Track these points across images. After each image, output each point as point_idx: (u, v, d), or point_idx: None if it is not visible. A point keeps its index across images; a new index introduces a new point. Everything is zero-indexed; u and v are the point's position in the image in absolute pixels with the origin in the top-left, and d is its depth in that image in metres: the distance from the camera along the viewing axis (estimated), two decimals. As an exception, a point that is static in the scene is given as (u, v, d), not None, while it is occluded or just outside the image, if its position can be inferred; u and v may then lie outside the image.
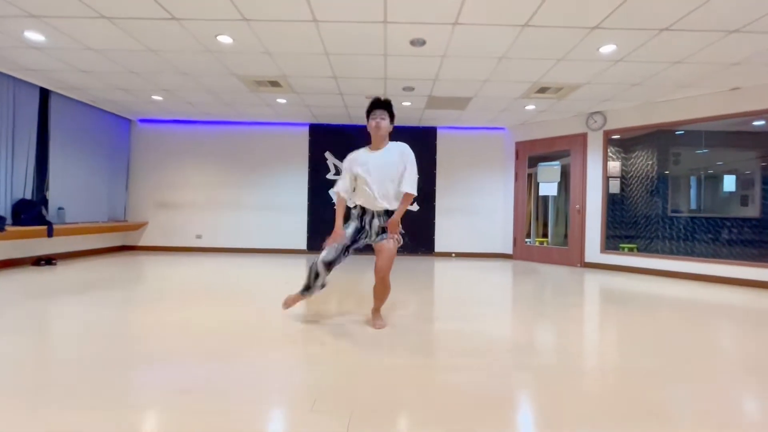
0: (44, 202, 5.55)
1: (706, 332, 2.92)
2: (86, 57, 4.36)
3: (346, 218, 2.88)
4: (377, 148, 2.80)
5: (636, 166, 6.39)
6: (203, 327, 2.76)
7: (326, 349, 2.37)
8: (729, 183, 6.10)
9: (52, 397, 1.70)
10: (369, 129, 2.81)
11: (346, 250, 2.79)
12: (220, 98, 5.88)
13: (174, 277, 4.81)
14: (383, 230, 2.78)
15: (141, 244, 7.46)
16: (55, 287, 3.97)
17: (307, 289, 2.85)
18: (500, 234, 7.47)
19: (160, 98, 5.94)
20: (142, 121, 7.40)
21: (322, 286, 2.83)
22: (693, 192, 6.42)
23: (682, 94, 5.23)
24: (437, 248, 7.49)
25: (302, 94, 5.63)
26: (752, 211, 5.72)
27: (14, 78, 5.05)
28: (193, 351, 2.29)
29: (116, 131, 7.05)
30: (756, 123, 5.32)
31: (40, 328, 2.70)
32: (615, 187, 6.33)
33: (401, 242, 2.81)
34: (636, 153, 6.40)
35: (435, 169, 7.42)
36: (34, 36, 3.85)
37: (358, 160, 2.80)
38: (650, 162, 6.30)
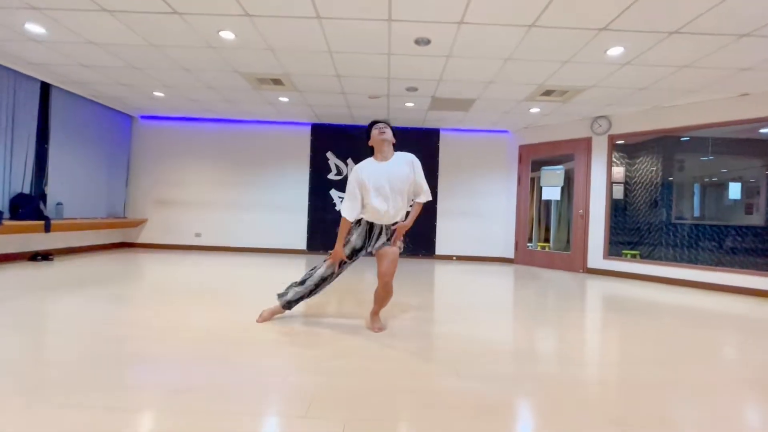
0: (42, 196, 5.50)
1: (709, 340, 2.86)
2: (87, 51, 4.32)
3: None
4: (384, 159, 2.67)
5: (640, 171, 6.32)
6: (197, 327, 2.70)
7: (322, 352, 2.30)
8: (734, 191, 6.03)
9: (40, 396, 1.64)
10: (373, 141, 2.69)
11: (342, 263, 2.76)
12: (222, 95, 5.83)
13: (171, 275, 4.75)
14: (388, 238, 2.72)
15: (140, 241, 7.41)
16: (50, 283, 3.92)
17: (293, 303, 2.83)
18: (502, 238, 7.41)
19: (161, 95, 5.90)
20: (144, 117, 7.37)
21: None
22: (697, 199, 6.35)
23: (689, 99, 5.17)
24: (438, 251, 7.42)
25: (305, 93, 5.58)
26: (757, 219, 5.66)
27: (15, 72, 5.01)
28: (185, 351, 2.23)
29: (117, 127, 7.01)
30: (762, 130, 5.25)
31: (30, 325, 2.64)
32: (618, 192, 6.27)
33: (402, 249, 2.76)
34: (640, 159, 6.33)
35: (437, 171, 7.36)
36: (35, 28, 3.81)
37: (367, 173, 2.63)
38: (654, 168, 6.23)
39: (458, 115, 6.38)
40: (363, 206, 2.65)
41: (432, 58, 4.17)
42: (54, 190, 5.69)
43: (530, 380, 2.02)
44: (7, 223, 4.69)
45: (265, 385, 1.84)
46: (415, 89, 5.21)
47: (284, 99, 5.89)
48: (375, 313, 2.83)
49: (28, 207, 5.06)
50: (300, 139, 7.42)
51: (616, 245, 6.19)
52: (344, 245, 2.70)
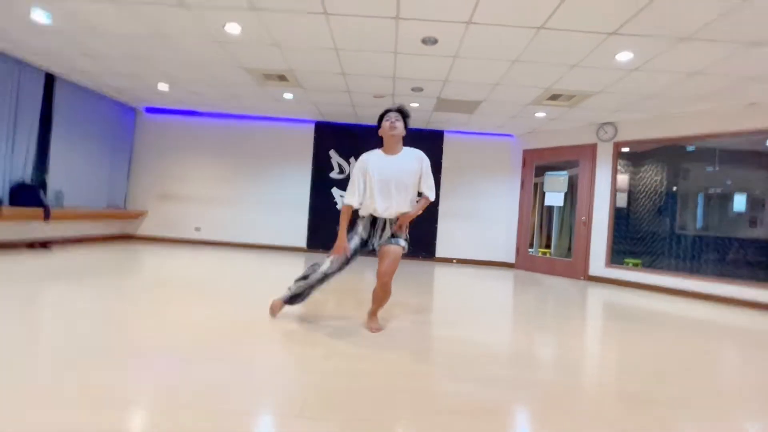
0: (43, 185, 5.48)
1: (710, 352, 2.81)
2: (92, 41, 4.29)
3: (350, 225, 2.72)
4: (392, 153, 2.62)
5: (644, 180, 6.27)
6: (192, 323, 2.66)
7: (318, 351, 2.27)
8: (739, 203, 5.98)
9: (33, 392, 1.61)
10: (382, 132, 2.62)
11: (346, 262, 2.66)
12: (227, 90, 5.81)
13: (169, 268, 4.72)
14: (392, 234, 2.65)
15: (139, 233, 7.38)
16: (47, 272, 3.88)
17: (296, 298, 2.75)
18: (503, 242, 7.35)
19: (165, 88, 5.87)
20: (148, 110, 7.35)
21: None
22: (700, 210, 6.30)
23: (696, 107, 5.12)
24: (438, 253, 7.38)
25: (309, 90, 5.55)
26: (761, 232, 5.60)
27: (20, 61, 5.00)
28: (180, 348, 2.19)
29: (121, 119, 7.00)
30: (769, 143, 5.20)
31: (24, 318, 2.61)
32: (621, 200, 6.22)
33: (406, 250, 2.69)
34: (645, 167, 6.28)
35: (440, 173, 7.31)
36: (40, 18, 3.79)
37: (373, 164, 2.58)
38: (659, 177, 6.18)
39: (463, 117, 6.34)
40: (361, 201, 2.62)
41: (439, 58, 4.14)
42: (55, 179, 5.67)
43: (527, 385, 1.98)
44: (6, 209, 4.67)
45: (258, 383, 1.80)
46: (420, 89, 5.18)
47: (289, 96, 5.87)
48: (373, 313, 2.78)
49: (28, 195, 5.04)
50: (303, 137, 7.39)
51: (618, 254, 6.14)
52: (349, 237, 2.64)
